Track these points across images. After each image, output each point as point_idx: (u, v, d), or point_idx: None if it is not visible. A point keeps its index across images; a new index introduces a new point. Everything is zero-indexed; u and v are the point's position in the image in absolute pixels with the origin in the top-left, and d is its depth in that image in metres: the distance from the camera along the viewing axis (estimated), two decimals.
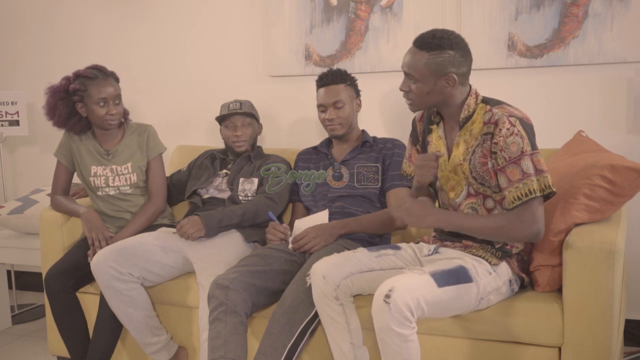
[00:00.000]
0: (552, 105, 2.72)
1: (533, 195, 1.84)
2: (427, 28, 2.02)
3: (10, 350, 2.99)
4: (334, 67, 2.67)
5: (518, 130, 1.85)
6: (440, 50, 1.91)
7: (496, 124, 1.89)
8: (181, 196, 2.88)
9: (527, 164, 1.85)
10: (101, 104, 2.54)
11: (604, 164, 2.01)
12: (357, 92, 2.63)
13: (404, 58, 1.98)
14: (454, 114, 2.01)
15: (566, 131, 2.57)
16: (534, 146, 1.87)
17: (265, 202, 2.56)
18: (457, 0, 2.77)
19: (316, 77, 2.63)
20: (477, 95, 1.99)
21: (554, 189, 1.87)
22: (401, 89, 2.00)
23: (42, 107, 2.62)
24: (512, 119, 1.87)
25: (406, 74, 1.98)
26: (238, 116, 2.72)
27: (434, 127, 2.09)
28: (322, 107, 2.58)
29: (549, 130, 2.67)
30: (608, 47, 2.58)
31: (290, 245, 2.37)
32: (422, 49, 1.93)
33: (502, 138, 1.86)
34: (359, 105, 2.65)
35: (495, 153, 1.90)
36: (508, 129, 1.86)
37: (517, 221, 1.87)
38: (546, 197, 1.89)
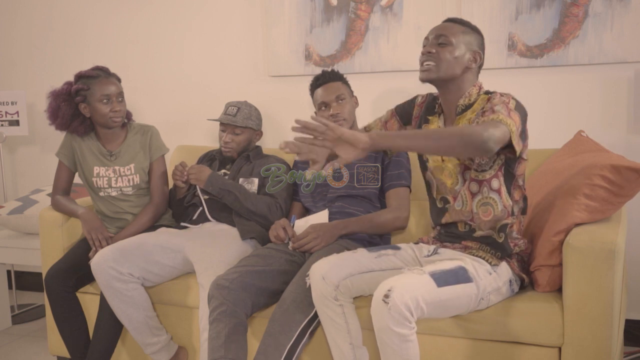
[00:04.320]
0: (552, 105, 2.72)
1: (495, 118, 1.79)
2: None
3: (10, 350, 2.99)
4: (330, 68, 2.69)
5: (509, 100, 1.89)
6: (474, 30, 2.01)
7: (488, 100, 1.93)
8: None
9: (501, 108, 1.83)
10: (104, 101, 2.54)
11: (604, 164, 2.01)
12: (352, 91, 2.65)
13: (435, 27, 2.01)
14: (454, 100, 2.02)
15: (566, 131, 2.57)
16: (517, 107, 1.87)
17: (269, 203, 2.57)
18: (457, 0, 2.77)
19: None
20: (480, 87, 2.02)
21: (511, 129, 1.79)
22: (427, 51, 1.97)
23: (45, 111, 2.62)
24: (505, 94, 1.92)
25: (437, 37, 1.97)
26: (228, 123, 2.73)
27: (432, 117, 2.09)
28: (324, 105, 2.58)
29: (549, 130, 2.67)
30: (608, 47, 2.58)
31: (290, 245, 2.37)
32: (457, 23, 2.01)
33: (489, 103, 1.90)
34: (356, 104, 2.66)
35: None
36: (499, 98, 1.90)
37: (478, 127, 1.76)
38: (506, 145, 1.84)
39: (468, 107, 1.99)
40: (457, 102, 2.01)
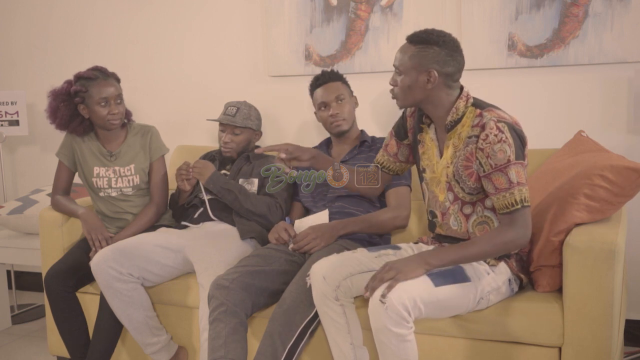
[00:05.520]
0: (552, 105, 2.71)
1: (519, 206, 1.84)
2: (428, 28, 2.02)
3: (10, 350, 2.99)
4: (330, 68, 2.70)
5: (506, 137, 1.82)
6: (425, 45, 1.91)
7: (483, 127, 1.86)
8: None
9: (513, 174, 1.83)
10: (102, 104, 2.54)
11: (604, 164, 2.01)
12: (351, 91, 2.65)
13: (396, 53, 2.00)
14: (442, 117, 1.98)
15: (566, 131, 2.57)
16: (518, 156, 1.84)
17: (269, 203, 2.57)
18: (457, 0, 2.77)
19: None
20: (467, 98, 1.96)
21: (529, 203, 1.86)
22: (390, 83, 2.01)
23: (45, 111, 2.62)
24: (500, 125, 1.84)
25: (395, 68, 1.99)
26: (227, 123, 2.73)
27: (424, 126, 2.08)
28: (323, 105, 2.59)
29: (549, 130, 2.67)
30: (608, 47, 2.58)
31: (290, 246, 2.37)
32: (410, 43, 1.95)
33: (489, 144, 1.84)
34: (356, 104, 2.66)
35: (478, 159, 1.87)
36: (496, 135, 1.83)
37: (511, 229, 1.85)
38: None
39: (457, 121, 1.95)
40: (445, 119, 1.97)
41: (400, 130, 2.19)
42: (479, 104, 1.94)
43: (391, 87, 2.01)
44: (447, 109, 1.96)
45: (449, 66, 1.91)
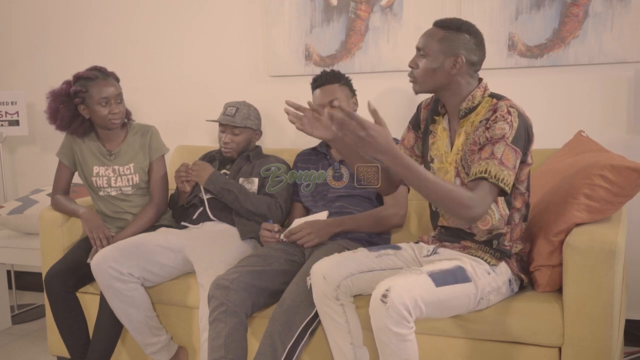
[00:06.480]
0: (552, 105, 2.72)
1: (486, 176, 1.81)
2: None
3: (10, 350, 2.99)
4: (330, 68, 2.69)
5: (511, 120, 1.85)
6: (457, 31, 1.94)
7: (495, 110, 1.89)
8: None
9: (499, 148, 1.83)
10: (103, 103, 2.54)
11: (604, 164, 2.01)
12: (353, 92, 2.64)
13: (420, 36, 2.00)
14: (457, 105, 2.00)
15: (566, 131, 2.57)
16: (515, 141, 1.84)
17: (269, 202, 2.57)
18: (457, 0, 2.77)
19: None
20: (485, 89, 1.99)
21: (507, 189, 1.83)
22: (409, 65, 2.01)
23: (44, 112, 2.62)
24: (511, 109, 1.87)
25: (418, 50, 1.99)
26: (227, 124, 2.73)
27: (438, 118, 2.09)
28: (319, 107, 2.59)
29: (549, 130, 2.67)
30: (608, 47, 2.58)
31: (282, 236, 2.38)
32: (439, 27, 1.97)
33: (493, 122, 1.87)
34: (356, 105, 2.65)
35: (480, 137, 1.90)
36: (502, 115, 1.86)
37: (467, 196, 1.80)
38: (501, 192, 1.86)
39: (472, 109, 1.97)
40: (460, 105, 1.99)
41: (415, 124, 2.19)
42: (496, 96, 1.98)
43: (410, 69, 2.00)
44: (464, 98, 1.99)
45: (475, 55, 1.95)
